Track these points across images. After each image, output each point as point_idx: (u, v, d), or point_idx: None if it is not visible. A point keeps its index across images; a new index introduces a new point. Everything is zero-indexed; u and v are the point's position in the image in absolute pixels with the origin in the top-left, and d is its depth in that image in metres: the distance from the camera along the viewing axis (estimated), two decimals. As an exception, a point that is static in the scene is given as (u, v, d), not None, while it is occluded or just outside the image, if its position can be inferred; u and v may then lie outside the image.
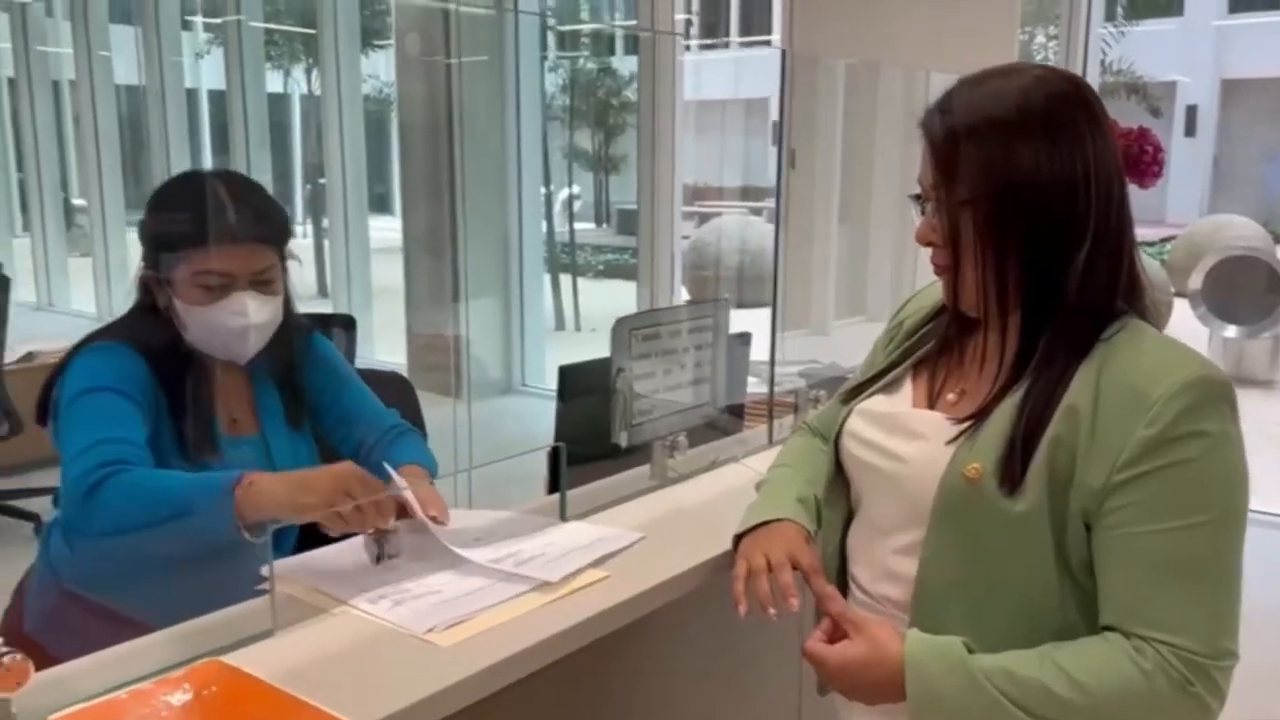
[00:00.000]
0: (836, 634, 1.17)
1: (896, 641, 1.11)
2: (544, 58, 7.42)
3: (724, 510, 1.38)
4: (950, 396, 1.23)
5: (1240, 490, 1.09)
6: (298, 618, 1.22)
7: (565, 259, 10.26)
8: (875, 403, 1.28)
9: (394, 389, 2.63)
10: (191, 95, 9.24)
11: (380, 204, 10.78)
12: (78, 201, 10.22)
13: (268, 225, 1.59)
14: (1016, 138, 1.11)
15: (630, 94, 13.57)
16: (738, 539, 1.34)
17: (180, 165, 9.14)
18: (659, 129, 4.81)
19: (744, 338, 2.33)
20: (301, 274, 1.71)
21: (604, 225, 15.64)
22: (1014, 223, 1.12)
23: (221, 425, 1.60)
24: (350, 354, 3.04)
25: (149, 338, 1.54)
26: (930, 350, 1.28)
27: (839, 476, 1.31)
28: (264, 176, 8.72)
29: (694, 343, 1.69)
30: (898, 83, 3.32)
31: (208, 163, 9.09)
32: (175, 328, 1.55)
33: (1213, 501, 1.06)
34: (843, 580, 1.31)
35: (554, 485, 1.66)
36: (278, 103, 11.40)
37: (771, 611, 1.23)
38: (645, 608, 1.29)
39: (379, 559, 1.37)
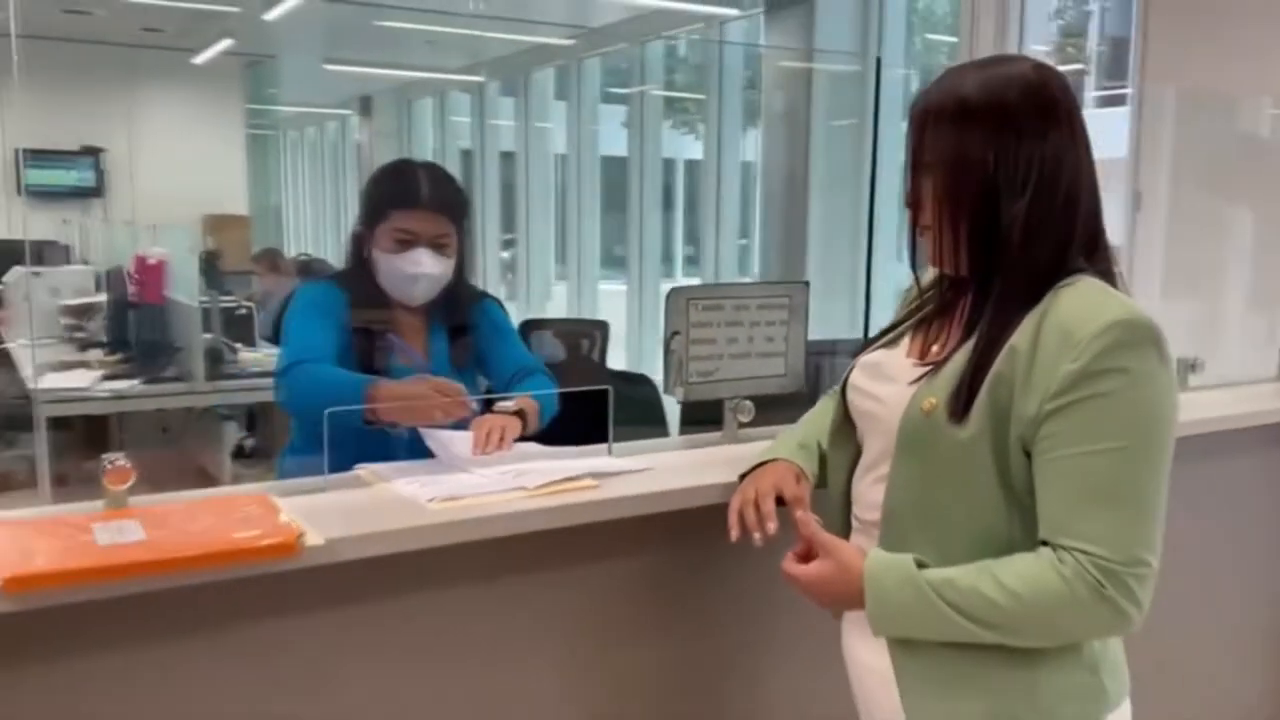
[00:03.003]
0: (809, 555, 1.35)
1: (859, 560, 1.29)
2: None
3: (749, 459, 1.57)
4: (935, 348, 1.37)
5: (1159, 422, 1.21)
6: (348, 485, 1.59)
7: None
8: (874, 355, 1.44)
9: (633, 384, 3.01)
10: (611, 161, 10.29)
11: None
12: (503, 255, 11.74)
13: (447, 201, 2.05)
14: (969, 117, 1.27)
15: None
16: (741, 478, 1.54)
17: (590, 221, 10.22)
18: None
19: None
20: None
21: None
22: (961, 186, 1.28)
23: (397, 356, 2.05)
24: (603, 354, 3.48)
25: (351, 281, 2.06)
26: (931, 310, 1.42)
27: (846, 422, 1.46)
28: (654, 235, 9.52)
29: (764, 318, 1.87)
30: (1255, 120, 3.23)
31: (606, 219, 10.08)
32: (372, 274, 2.04)
33: (1129, 429, 1.19)
34: (849, 513, 1.45)
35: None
36: (692, 167, 12.33)
37: (756, 536, 1.44)
38: (603, 514, 1.53)
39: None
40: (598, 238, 10.33)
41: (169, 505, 1.41)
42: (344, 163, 14.03)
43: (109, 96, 9.65)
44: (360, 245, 2.05)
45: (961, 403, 1.25)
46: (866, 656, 1.37)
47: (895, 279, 7.37)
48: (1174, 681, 2.40)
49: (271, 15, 7.59)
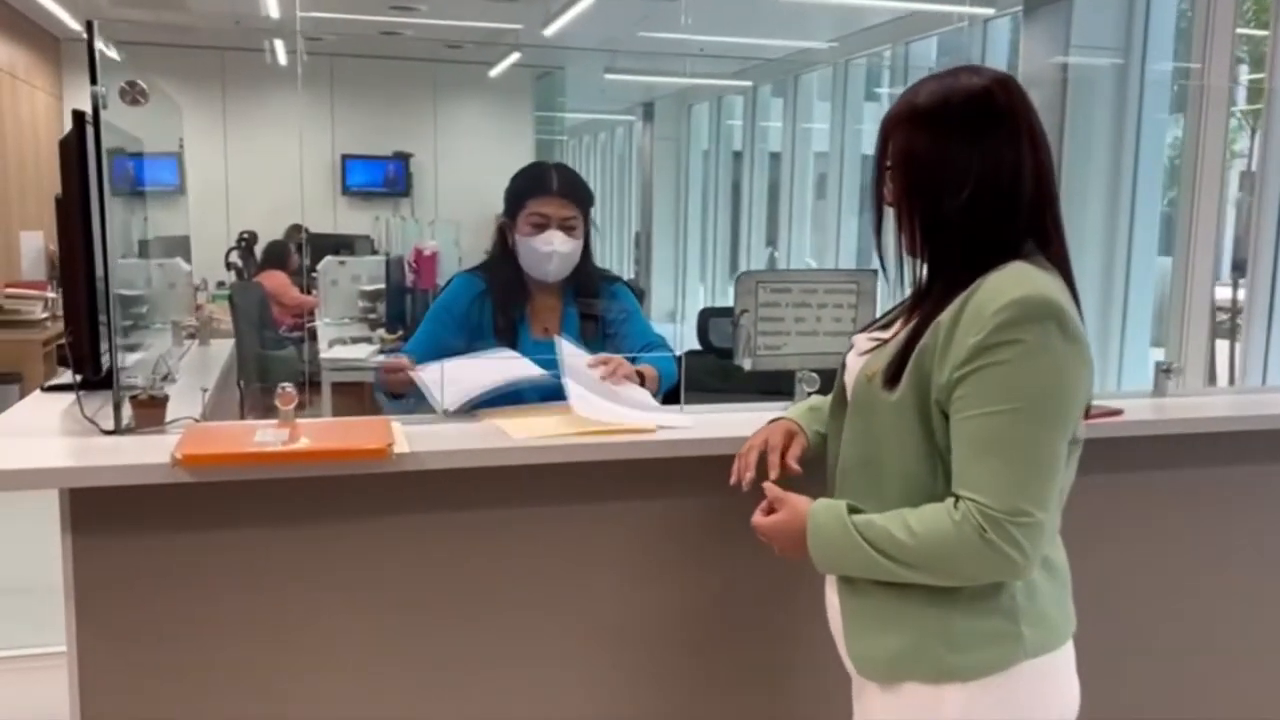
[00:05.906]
0: (772, 508, 1.59)
1: (805, 507, 1.53)
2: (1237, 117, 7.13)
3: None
4: None
5: (1051, 389, 1.36)
6: (465, 421, 2.01)
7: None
8: (860, 336, 1.66)
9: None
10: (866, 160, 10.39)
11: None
12: (777, 254, 12.03)
13: (573, 190, 2.43)
14: (924, 124, 1.44)
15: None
16: None
17: (849, 218, 10.35)
18: (1202, 192, 4.73)
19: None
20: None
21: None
22: (913, 182, 1.47)
23: (533, 331, 2.46)
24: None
25: (495, 267, 2.49)
26: (913, 298, 1.61)
27: (843, 393, 1.66)
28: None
29: (832, 301, 2.13)
30: None
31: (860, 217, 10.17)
32: (514, 260, 2.44)
33: (1021, 394, 1.34)
34: None
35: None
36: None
37: (742, 482, 1.71)
38: (634, 454, 1.89)
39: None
40: (854, 234, 10.42)
41: (322, 423, 1.89)
42: (630, 165, 14.84)
43: (417, 107, 10.85)
44: (504, 234, 2.46)
45: (893, 371, 1.44)
46: (830, 595, 1.60)
47: (1161, 269, 7.06)
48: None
49: (549, 31, 8.35)
